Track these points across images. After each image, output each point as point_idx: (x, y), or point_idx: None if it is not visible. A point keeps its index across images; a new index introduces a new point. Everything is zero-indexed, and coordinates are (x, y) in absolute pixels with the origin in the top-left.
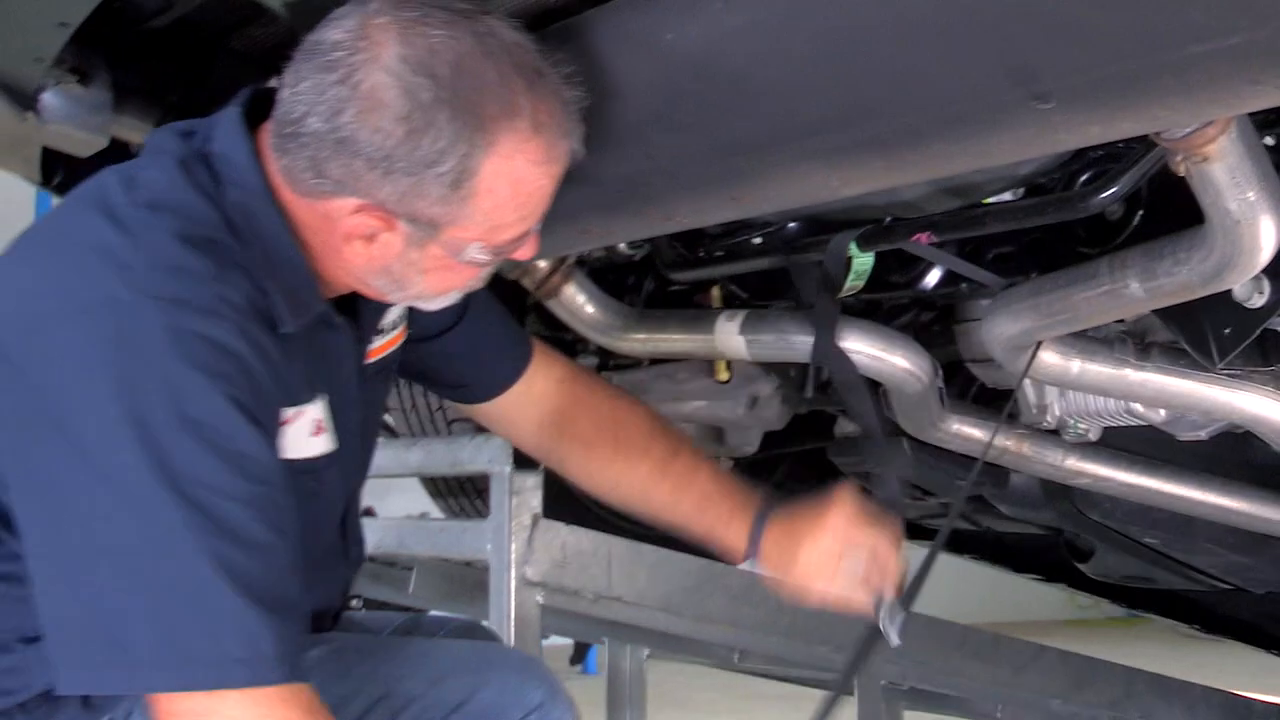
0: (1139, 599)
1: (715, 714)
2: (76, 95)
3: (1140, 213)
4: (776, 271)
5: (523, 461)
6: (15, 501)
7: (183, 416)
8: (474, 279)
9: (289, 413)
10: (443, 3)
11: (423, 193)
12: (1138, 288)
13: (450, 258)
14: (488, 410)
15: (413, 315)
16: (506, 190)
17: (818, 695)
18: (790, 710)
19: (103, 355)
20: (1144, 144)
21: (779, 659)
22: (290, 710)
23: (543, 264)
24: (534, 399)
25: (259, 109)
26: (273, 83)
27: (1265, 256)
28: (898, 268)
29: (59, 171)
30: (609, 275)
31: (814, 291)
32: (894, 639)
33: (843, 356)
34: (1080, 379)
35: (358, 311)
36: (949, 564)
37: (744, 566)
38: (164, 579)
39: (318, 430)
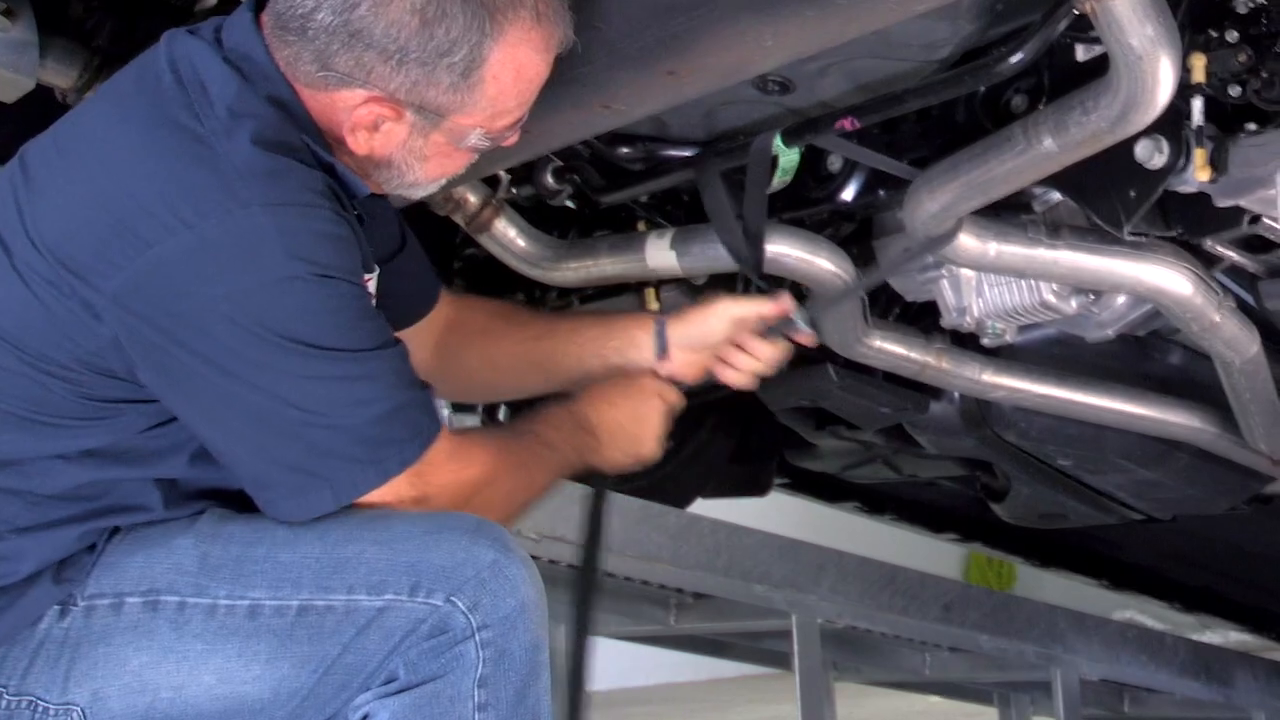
0: (1050, 554)
1: None
2: (3, 32)
3: (1044, 101)
4: (699, 200)
5: (461, 405)
6: (173, 401)
7: (308, 296)
8: (466, 164)
9: (365, 276)
10: None
11: (433, 81)
12: (1051, 144)
13: (451, 144)
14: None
15: (371, 240)
16: (510, 77)
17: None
18: None
19: (226, 264)
20: (1045, 16)
21: (718, 610)
22: (449, 440)
23: (472, 199)
24: (435, 317)
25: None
26: None
27: (1165, 95)
28: (816, 184)
29: None
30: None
31: (740, 199)
32: (804, 327)
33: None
34: (997, 260)
35: None
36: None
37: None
38: (335, 413)
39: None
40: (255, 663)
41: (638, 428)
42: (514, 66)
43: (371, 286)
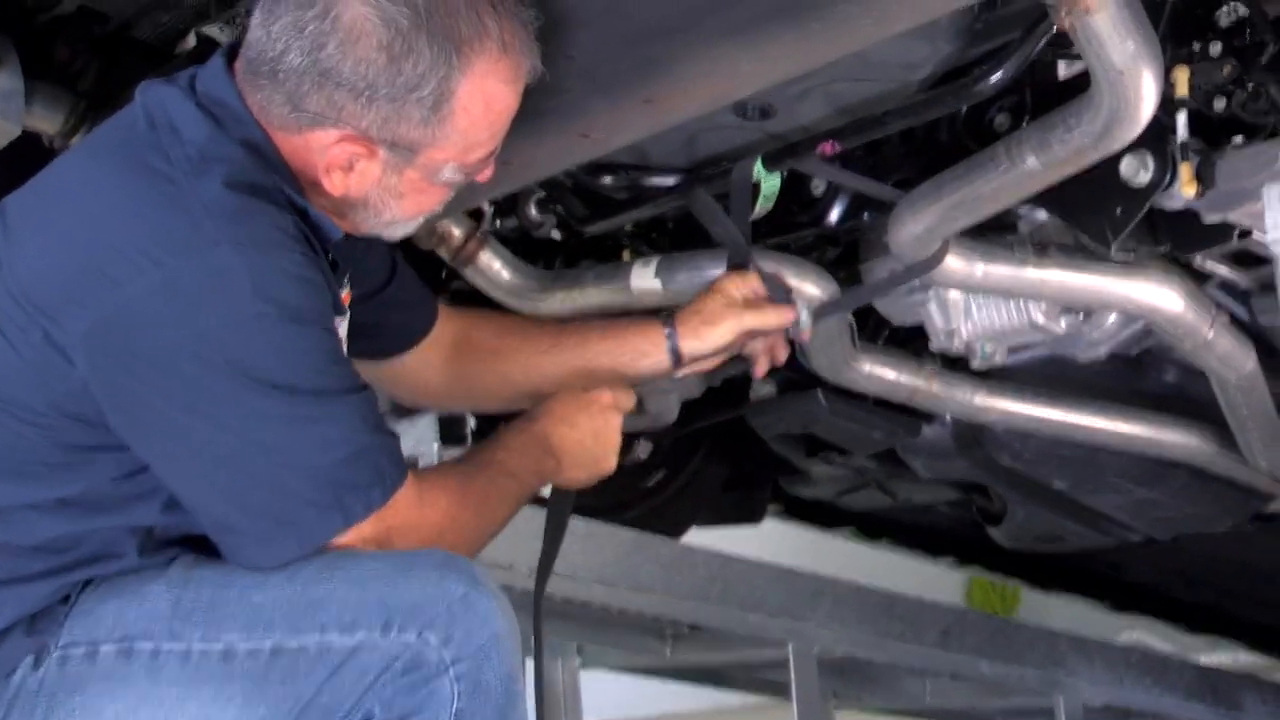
0: (1050, 576)
1: None
2: None
3: (1027, 119)
4: (683, 228)
5: (449, 436)
6: (139, 444)
7: (276, 337)
8: (442, 201)
9: (335, 321)
10: None
11: (404, 117)
12: (1034, 162)
13: (425, 180)
14: (403, 361)
15: (357, 275)
16: (480, 109)
17: None
18: None
19: (195, 304)
20: (1025, 33)
21: (714, 640)
22: (413, 486)
23: (457, 232)
24: (439, 336)
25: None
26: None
27: (1148, 110)
28: (800, 208)
29: None
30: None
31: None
32: (805, 321)
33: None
34: (985, 281)
35: None
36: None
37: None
38: (295, 458)
39: (345, 340)
40: (231, 706)
41: (596, 445)
42: (483, 98)
43: (342, 331)
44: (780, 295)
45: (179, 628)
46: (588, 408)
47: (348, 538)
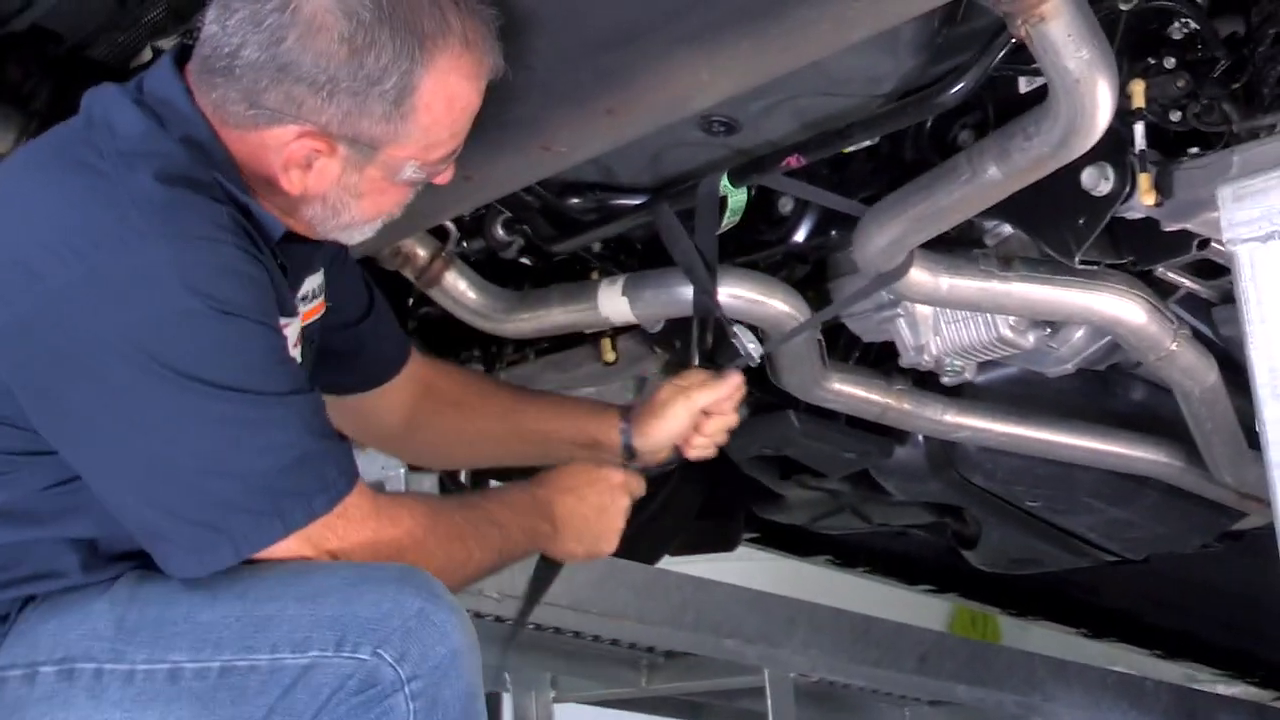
0: (1028, 603)
1: None
2: None
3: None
4: (651, 248)
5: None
6: (63, 446)
7: (207, 331)
8: (401, 203)
9: (281, 321)
10: None
11: (366, 111)
12: (996, 171)
13: (386, 179)
14: (372, 397)
15: (333, 301)
16: (442, 106)
17: None
18: None
19: (120, 298)
20: (985, 46)
21: (689, 669)
22: (367, 497)
23: (422, 252)
24: (406, 379)
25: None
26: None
27: (1104, 117)
28: (768, 227)
29: None
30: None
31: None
32: (754, 356)
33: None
34: (951, 295)
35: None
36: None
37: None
38: (234, 459)
39: (294, 345)
40: None
41: (600, 522)
42: (445, 94)
43: (290, 332)
44: (729, 356)
45: (123, 647)
46: (596, 484)
47: (292, 544)
